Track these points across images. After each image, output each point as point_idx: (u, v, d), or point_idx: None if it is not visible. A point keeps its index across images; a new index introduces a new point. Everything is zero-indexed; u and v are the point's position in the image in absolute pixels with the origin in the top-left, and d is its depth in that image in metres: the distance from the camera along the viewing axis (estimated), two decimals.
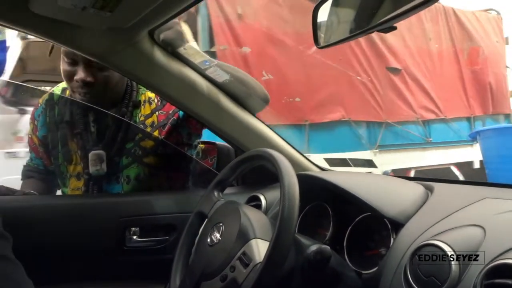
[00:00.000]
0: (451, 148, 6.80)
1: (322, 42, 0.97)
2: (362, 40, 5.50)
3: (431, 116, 6.50)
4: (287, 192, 0.85)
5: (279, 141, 1.62)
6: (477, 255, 0.81)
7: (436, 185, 1.23)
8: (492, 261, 0.76)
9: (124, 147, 1.55)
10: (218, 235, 0.98)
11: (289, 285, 0.91)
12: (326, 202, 1.26)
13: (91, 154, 1.49)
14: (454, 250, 0.82)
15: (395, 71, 6.09)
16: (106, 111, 1.50)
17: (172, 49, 1.31)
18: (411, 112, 6.23)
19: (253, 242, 0.91)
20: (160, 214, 1.55)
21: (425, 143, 6.40)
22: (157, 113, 1.58)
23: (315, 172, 1.53)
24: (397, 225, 1.04)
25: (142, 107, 1.58)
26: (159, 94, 1.47)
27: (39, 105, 1.63)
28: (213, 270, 0.93)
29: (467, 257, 0.81)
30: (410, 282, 0.85)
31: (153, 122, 1.58)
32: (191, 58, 1.32)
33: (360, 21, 0.85)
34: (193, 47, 1.30)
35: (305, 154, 1.69)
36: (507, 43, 7.87)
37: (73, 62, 1.40)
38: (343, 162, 2.31)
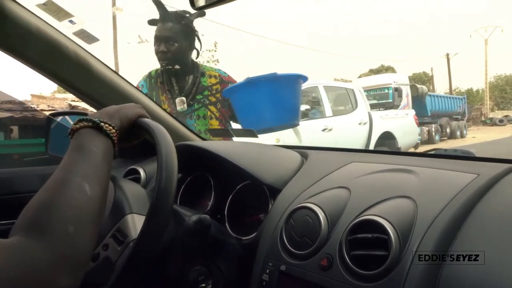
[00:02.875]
0: None
1: (198, 3, 0.94)
2: None
3: None
4: (164, 163, 0.82)
5: (159, 111, 1.57)
6: (343, 214, 0.89)
7: (311, 152, 1.33)
8: (355, 218, 0.85)
9: (195, 97, 2.63)
10: None
11: (169, 256, 0.91)
12: (207, 172, 1.27)
13: (177, 99, 2.56)
14: (323, 211, 0.89)
15: None
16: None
17: None
18: None
19: (129, 217, 0.88)
20: (22, 193, 1.39)
21: None
22: (219, 85, 2.66)
23: (195, 142, 1.53)
24: (275, 191, 1.10)
25: (208, 77, 2.67)
26: (16, 57, 1.30)
27: (140, 81, 2.74)
28: None
29: (335, 216, 0.89)
30: (285, 243, 0.91)
31: (217, 88, 2.66)
32: (52, 16, 1.19)
33: None
34: (54, 2, 1.16)
35: None
36: None
37: (157, 41, 2.54)
38: (225, 133, 2.41)
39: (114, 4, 16.99)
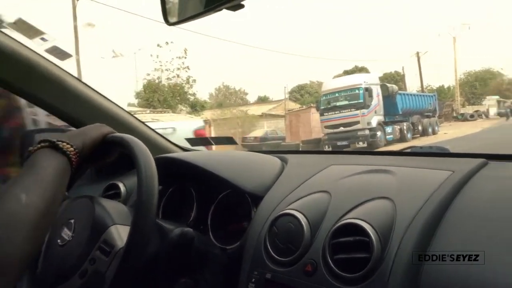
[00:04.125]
0: None
1: (172, 19, 0.96)
2: None
3: None
4: (144, 176, 0.82)
5: (137, 124, 1.56)
6: (324, 218, 0.91)
7: (290, 157, 1.35)
8: (336, 222, 0.87)
9: None
10: (69, 232, 0.91)
11: (155, 271, 0.91)
12: (188, 184, 1.29)
13: None
14: (305, 216, 0.91)
15: None
16: None
17: None
18: None
19: (113, 228, 0.89)
20: None
21: None
22: None
23: (175, 154, 1.53)
24: (257, 198, 1.11)
25: None
26: None
27: None
28: (68, 269, 0.87)
29: (317, 221, 0.91)
30: (269, 251, 0.93)
31: None
32: (23, 34, 1.18)
33: None
34: (25, 21, 1.16)
35: None
36: None
37: None
38: (205, 141, 2.34)
39: (75, 17, 16.68)
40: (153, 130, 1.62)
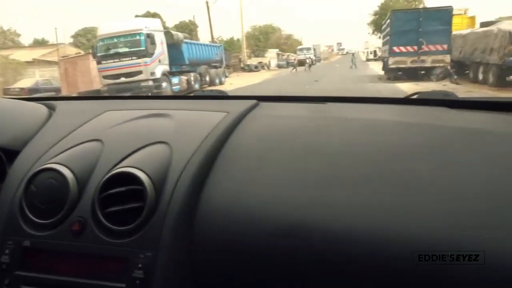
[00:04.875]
0: None
1: None
2: None
3: None
4: None
5: None
6: (95, 170, 0.84)
7: (59, 103, 1.20)
8: (108, 172, 0.80)
9: None
10: None
11: None
12: None
13: None
14: (71, 170, 0.82)
15: None
16: None
17: None
18: None
19: None
20: None
21: None
22: None
23: None
24: (13, 154, 0.95)
25: None
26: None
27: None
28: None
29: (86, 174, 0.83)
30: (27, 214, 0.80)
31: None
32: None
33: None
34: None
35: None
36: None
37: None
38: None
39: None
40: None
